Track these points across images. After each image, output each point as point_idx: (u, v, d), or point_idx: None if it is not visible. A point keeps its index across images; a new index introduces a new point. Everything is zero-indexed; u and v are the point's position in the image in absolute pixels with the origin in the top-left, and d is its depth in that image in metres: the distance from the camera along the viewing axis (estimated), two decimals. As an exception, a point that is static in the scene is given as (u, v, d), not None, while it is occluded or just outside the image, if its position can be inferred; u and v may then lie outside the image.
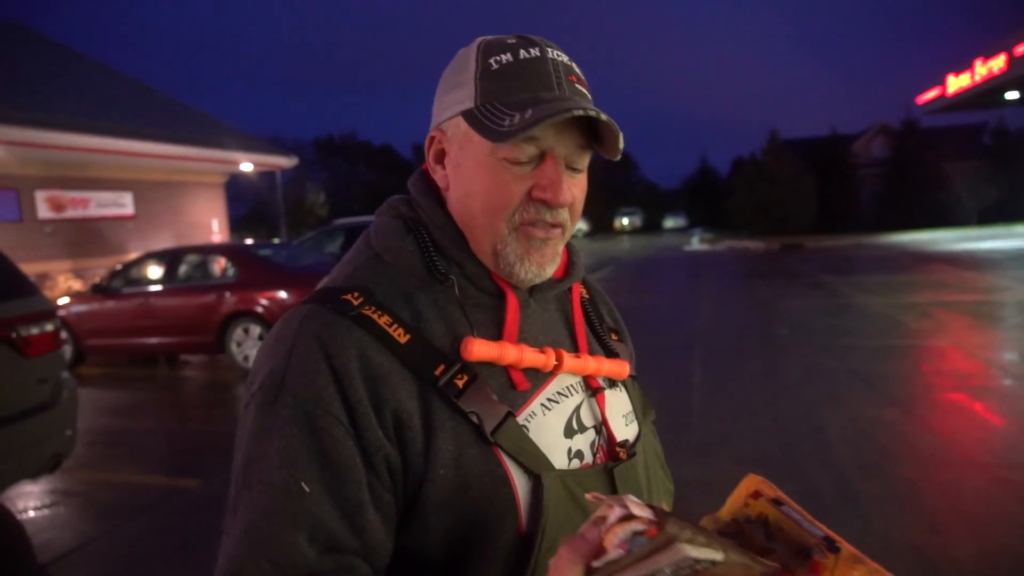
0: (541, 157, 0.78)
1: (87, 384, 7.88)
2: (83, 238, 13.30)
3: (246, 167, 16.72)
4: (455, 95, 0.82)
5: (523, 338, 0.84)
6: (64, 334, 8.48)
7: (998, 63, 17.25)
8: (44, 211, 12.60)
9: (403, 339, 0.76)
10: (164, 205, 15.39)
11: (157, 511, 4.15)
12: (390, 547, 0.74)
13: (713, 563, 0.52)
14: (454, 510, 0.74)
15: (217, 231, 16.90)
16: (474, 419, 0.75)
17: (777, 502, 0.64)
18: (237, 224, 28.29)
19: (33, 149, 11.25)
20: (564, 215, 0.82)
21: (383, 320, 0.77)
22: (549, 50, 0.80)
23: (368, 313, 0.77)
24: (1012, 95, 19.54)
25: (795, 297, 11.85)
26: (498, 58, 0.79)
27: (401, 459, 0.73)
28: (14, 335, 3.62)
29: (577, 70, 0.82)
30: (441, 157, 0.85)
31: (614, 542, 0.54)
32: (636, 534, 0.53)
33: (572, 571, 0.56)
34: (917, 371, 6.59)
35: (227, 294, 8.02)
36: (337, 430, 0.71)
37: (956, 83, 19.98)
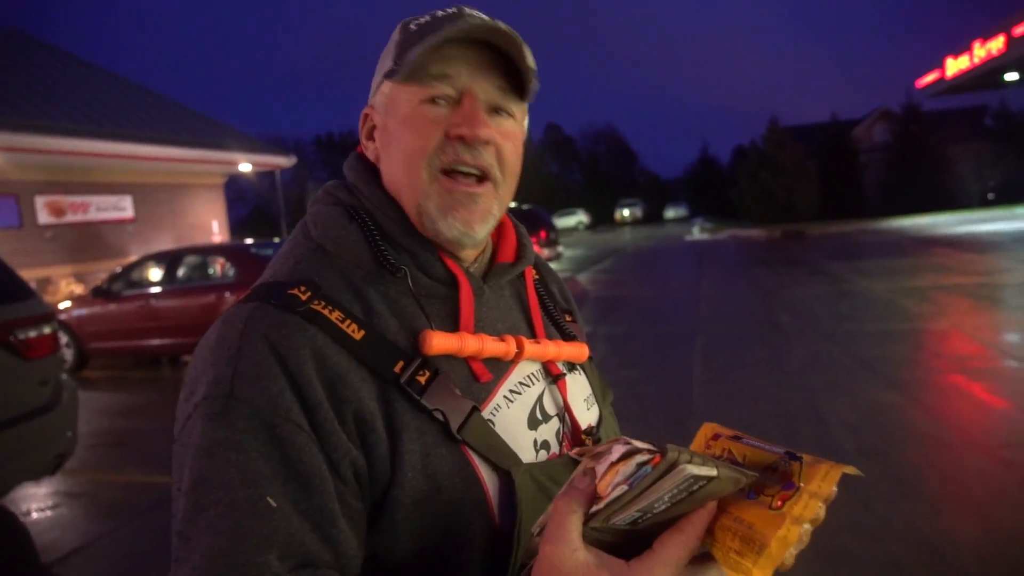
0: (459, 100, 0.77)
1: (90, 387, 7.91)
2: (84, 242, 13.34)
3: (245, 167, 16.73)
4: (380, 69, 0.82)
5: (480, 327, 0.80)
6: (66, 338, 8.54)
7: (997, 44, 17.16)
8: (44, 216, 12.64)
9: (358, 335, 0.72)
10: (164, 207, 15.43)
11: (160, 511, 4.17)
12: (362, 556, 0.70)
13: (708, 480, 0.54)
14: (424, 513, 0.70)
15: (217, 232, 16.93)
16: (439, 417, 0.71)
17: (736, 437, 0.67)
18: (239, 225, 28.37)
19: (32, 154, 11.28)
20: (487, 157, 0.77)
21: (335, 316, 0.72)
22: (467, 9, 0.80)
23: (318, 308, 0.72)
24: (1012, 76, 19.44)
25: (798, 284, 11.83)
26: (418, 21, 0.79)
27: (366, 463, 0.69)
28: (13, 338, 3.63)
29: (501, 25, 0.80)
30: (372, 133, 0.85)
31: (616, 480, 0.55)
32: (640, 465, 0.54)
33: (571, 520, 0.56)
34: (918, 355, 6.57)
35: (227, 294, 8.04)
36: (299, 437, 0.66)
37: (955, 65, 19.89)
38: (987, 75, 19.10)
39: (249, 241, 10.23)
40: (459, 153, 0.76)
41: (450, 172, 0.77)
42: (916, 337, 7.20)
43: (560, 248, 17.55)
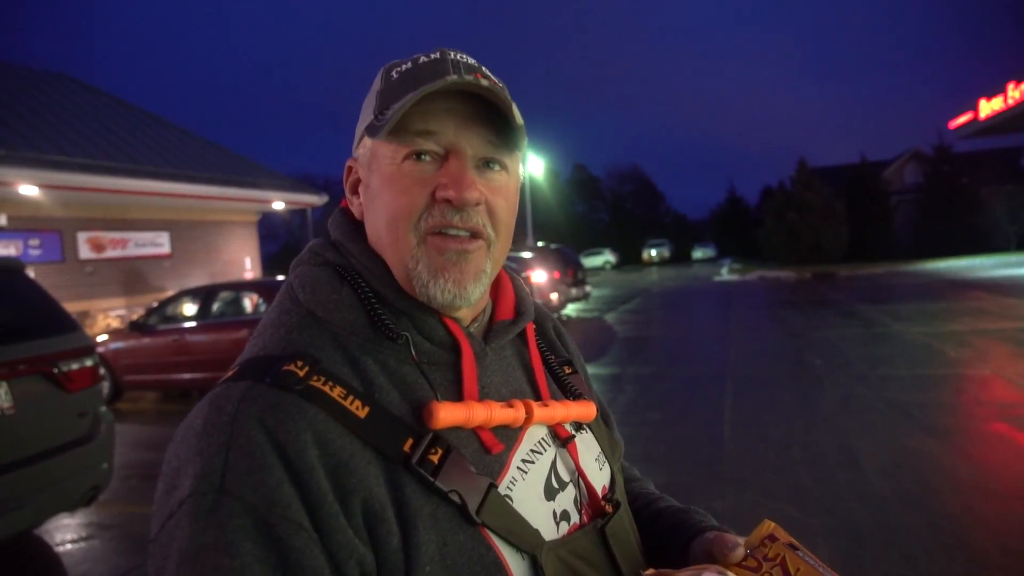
0: (445, 157, 0.72)
1: (123, 419, 8.02)
2: (122, 277, 13.67)
3: (278, 206, 17.09)
4: (362, 119, 0.77)
5: (485, 393, 0.76)
6: (102, 370, 8.70)
7: (1031, 86, 17.03)
8: (85, 251, 12.99)
9: (362, 413, 0.65)
10: (199, 244, 15.78)
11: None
12: None
13: None
14: None
15: (250, 268, 17.23)
16: (456, 499, 0.65)
17: (793, 547, 0.69)
18: (269, 261, 28.80)
19: (75, 192, 11.66)
20: (477, 218, 0.73)
21: (336, 392, 0.65)
22: (451, 53, 0.75)
23: (318, 385, 0.65)
24: (1047, 118, 19.23)
25: (829, 326, 11.64)
26: (399, 68, 0.75)
27: (376, 560, 0.62)
28: (56, 370, 3.72)
29: (484, 70, 0.75)
30: (356, 187, 0.80)
31: None
32: None
33: None
34: (958, 401, 6.40)
35: (259, 329, 8.15)
36: (299, 538, 0.58)
37: (988, 107, 19.76)
38: (1021, 116, 18.92)
39: (281, 278, 10.41)
40: (447, 216, 0.71)
41: (439, 232, 0.72)
42: (955, 383, 7.03)
43: (588, 287, 17.53)
